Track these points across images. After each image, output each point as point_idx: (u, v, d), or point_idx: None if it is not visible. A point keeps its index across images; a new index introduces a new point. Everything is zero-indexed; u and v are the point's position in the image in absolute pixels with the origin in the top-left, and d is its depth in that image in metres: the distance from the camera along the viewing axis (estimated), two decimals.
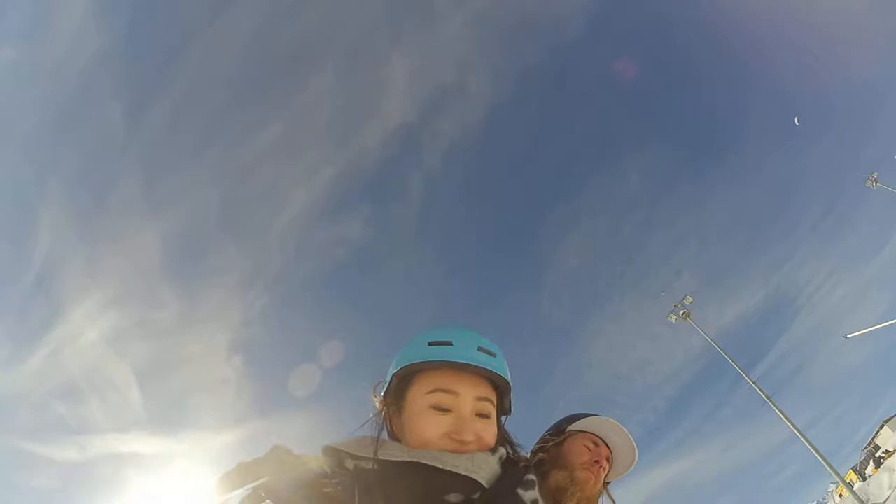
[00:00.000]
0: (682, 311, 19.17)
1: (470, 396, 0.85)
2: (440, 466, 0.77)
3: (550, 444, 1.48)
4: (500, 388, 0.90)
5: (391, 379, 0.90)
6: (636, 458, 1.50)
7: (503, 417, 0.94)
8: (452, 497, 0.75)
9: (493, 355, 0.88)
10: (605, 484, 1.48)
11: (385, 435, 0.90)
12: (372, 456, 0.80)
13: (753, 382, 16.00)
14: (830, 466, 14.20)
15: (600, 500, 1.45)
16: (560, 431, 1.53)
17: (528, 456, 1.03)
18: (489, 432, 0.85)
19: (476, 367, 0.84)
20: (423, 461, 0.77)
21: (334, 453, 0.84)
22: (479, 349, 0.87)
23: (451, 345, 0.86)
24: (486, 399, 0.87)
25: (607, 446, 1.47)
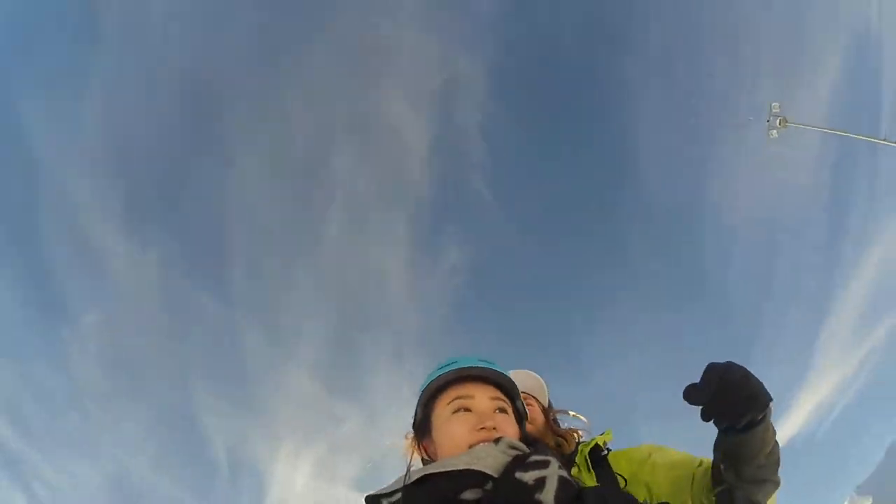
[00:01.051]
0: (777, 121, 16.10)
1: (485, 396, 0.97)
2: (443, 470, 0.84)
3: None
4: (510, 394, 1.02)
5: (416, 412, 1.05)
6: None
7: (524, 422, 1.05)
8: (468, 494, 0.80)
9: (493, 364, 1.02)
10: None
11: (418, 464, 0.99)
12: (401, 486, 0.87)
13: (885, 141, 13.54)
14: None
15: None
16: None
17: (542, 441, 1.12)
18: (511, 427, 0.95)
19: (481, 369, 0.99)
20: (431, 471, 0.85)
21: (374, 500, 0.92)
22: (481, 361, 1.02)
23: (457, 363, 1.01)
24: (500, 398, 0.99)
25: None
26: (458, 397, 0.96)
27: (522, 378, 1.56)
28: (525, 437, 1.00)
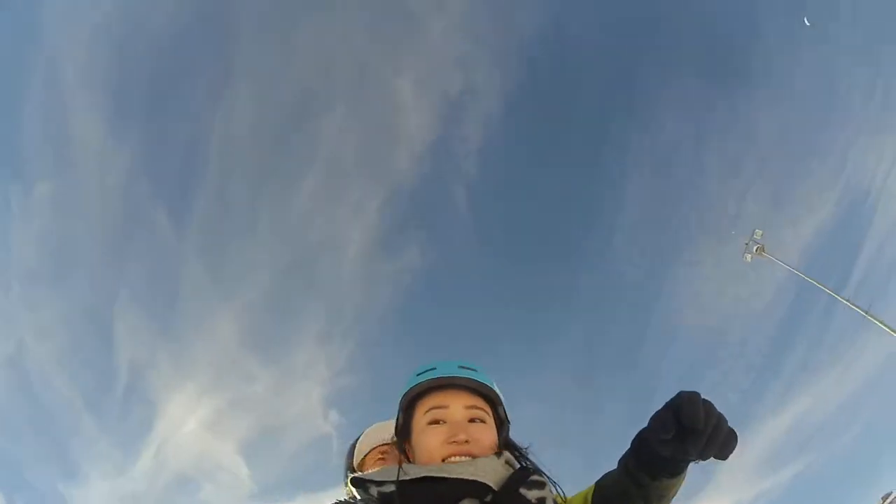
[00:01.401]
0: (755, 247, 17.92)
1: (459, 406, 0.96)
2: (447, 476, 0.84)
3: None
4: (491, 400, 1.00)
5: (398, 416, 1.04)
6: None
7: (506, 427, 1.03)
8: (467, 502, 0.81)
9: (474, 370, 1.00)
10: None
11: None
12: (394, 479, 0.87)
13: (846, 301, 14.56)
14: None
15: None
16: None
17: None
18: (486, 435, 0.94)
19: (458, 378, 0.97)
20: (433, 474, 0.86)
21: (361, 483, 0.93)
22: (460, 367, 0.99)
23: (435, 369, 0.99)
24: (476, 407, 0.97)
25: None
26: (434, 407, 0.96)
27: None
28: (508, 444, 1.01)
